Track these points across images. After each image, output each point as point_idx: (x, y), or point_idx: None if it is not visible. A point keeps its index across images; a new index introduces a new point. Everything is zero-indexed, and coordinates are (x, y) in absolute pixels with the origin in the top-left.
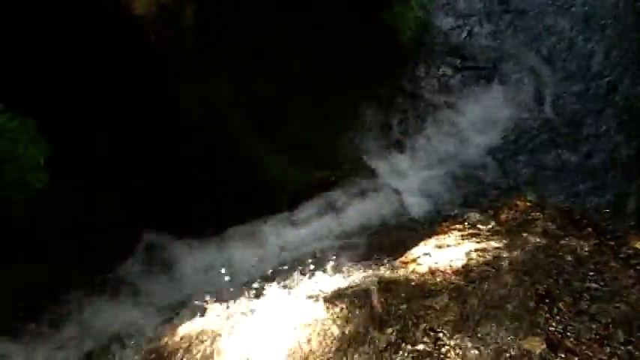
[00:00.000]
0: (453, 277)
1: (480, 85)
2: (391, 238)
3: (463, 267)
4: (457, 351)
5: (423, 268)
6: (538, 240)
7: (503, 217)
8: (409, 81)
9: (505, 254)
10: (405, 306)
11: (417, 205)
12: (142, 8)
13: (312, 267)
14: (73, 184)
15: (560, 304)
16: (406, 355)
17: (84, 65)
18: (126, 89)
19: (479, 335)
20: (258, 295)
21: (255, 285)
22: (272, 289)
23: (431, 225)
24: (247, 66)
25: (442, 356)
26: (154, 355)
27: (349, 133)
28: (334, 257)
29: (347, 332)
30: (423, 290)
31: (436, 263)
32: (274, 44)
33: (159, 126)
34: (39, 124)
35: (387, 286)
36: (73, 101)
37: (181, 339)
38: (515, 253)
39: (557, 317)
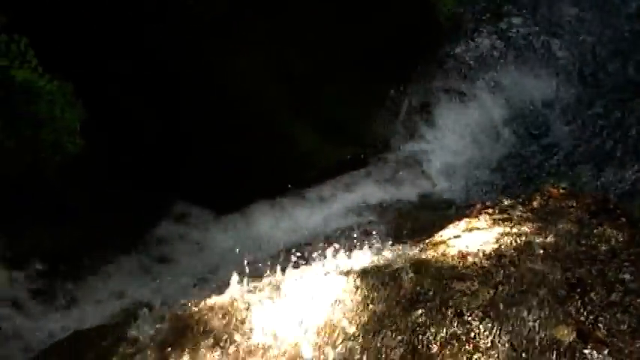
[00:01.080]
0: (484, 262)
1: (517, 64)
2: (419, 218)
3: (494, 252)
4: (486, 336)
5: (453, 251)
6: (571, 228)
7: (535, 203)
8: (445, 60)
9: (537, 241)
10: (435, 288)
11: (446, 187)
12: None
13: (339, 244)
14: (107, 149)
15: (592, 294)
16: (435, 336)
17: (122, 29)
18: (163, 56)
19: (509, 321)
20: (284, 270)
21: (282, 259)
22: (299, 264)
23: (460, 207)
24: (283, 42)
25: (471, 340)
26: (180, 325)
27: (381, 112)
28: (362, 235)
29: (376, 311)
30: (453, 273)
31: (467, 247)
32: (310, 20)
33: (194, 96)
34: (76, 88)
35: (417, 266)
36: (110, 66)
37: (208, 310)
38: (548, 240)
39: (589, 307)
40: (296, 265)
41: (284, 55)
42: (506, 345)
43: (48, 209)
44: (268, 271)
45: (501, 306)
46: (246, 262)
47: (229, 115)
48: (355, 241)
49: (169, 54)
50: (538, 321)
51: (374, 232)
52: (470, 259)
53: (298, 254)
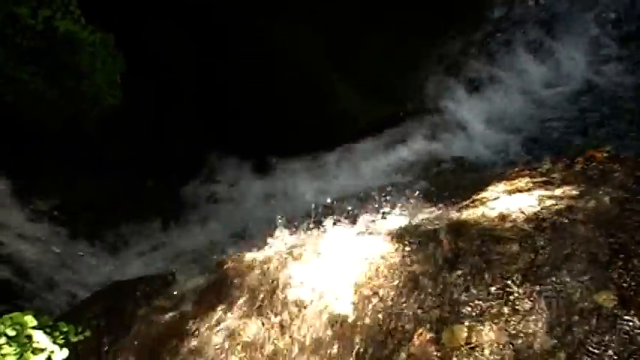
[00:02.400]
0: (524, 225)
1: (559, 27)
2: (458, 178)
3: (535, 215)
4: (526, 300)
5: (493, 213)
6: (614, 193)
7: (578, 167)
8: (485, 21)
9: (579, 205)
10: (474, 250)
11: (485, 147)
12: None
13: (377, 202)
14: (146, 102)
15: (634, 260)
16: (474, 299)
17: None
18: (209, 14)
19: (549, 286)
20: (321, 227)
21: (319, 216)
22: (336, 222)
23: (499, 168)
24: (326, 2)
25: (510, 304)
26: (218, 280)
27: (421, 71)
28: (400, 193)
29: (415, 272)
30: (492, 235)
31: (507, 209)
32: None
33: (238, 53)
34: (117, 41)
35: (456, 227)
36: (152, 18)
37: (245, 266)
38: (590, 204)
39: (632, 273)
40: (333, 223)
41: (327, 16)
42: (546, 310)
43: (88, 162)
44: (306, 228)
45: (541, 270)
46: (283, 218)
47: (273, 72)
48: (392, 199)
49: (215, 13)
50: (579, 286)
51: (411, 191)
52: (510, 221)
53: (336, 211)
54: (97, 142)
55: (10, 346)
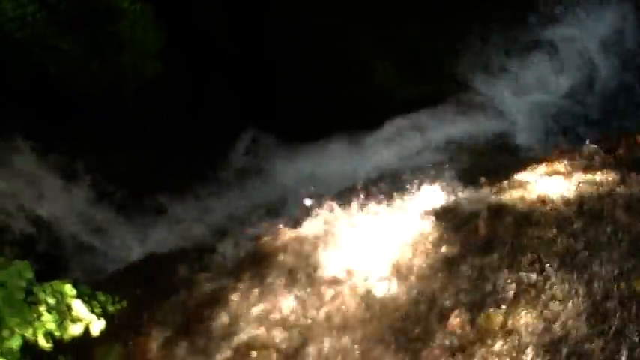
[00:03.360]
0: (563, 209)
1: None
2: (495, 159)
3: (574, 199)
4: (563, 284)
5: (531, 196)
6: None
7: (620, 152)
8: (528, 8)
9: (619, 190)
10: (512, 232)
11: (521, 129)
12: None
13: (414, 181)
14: (184, 73)
15: None
16: (510, 281)
17: None
18: None
19: (587, 271)
20: (358, 205)
21: (356, 194)
22: (373, 200)
23: (537, 151)
24: None
25: (547, 288)
26: (256, 255)
27: (461, 52)
28: (438, 173)
29: (453, 252)
30: (530, 218)
31: (546, 192)
32: None
33: (281, 26)
34: (157, 11)
35: (494, 210)
36: None
37: (284, 243)
38: (631, 190)
39: None
40: (370, 200)
41: None
42: (584, 295)
43: (126, 131)
44: (341, 205)
45: (579, 256)
46: (316, 194)
47: (314, 48)
48: (428, 178)
49: None
50: (618, 272)
51: (446, 170)
52: (548, 204)
53: (372, 188)
54: (136, 112)
55: (50, 313)
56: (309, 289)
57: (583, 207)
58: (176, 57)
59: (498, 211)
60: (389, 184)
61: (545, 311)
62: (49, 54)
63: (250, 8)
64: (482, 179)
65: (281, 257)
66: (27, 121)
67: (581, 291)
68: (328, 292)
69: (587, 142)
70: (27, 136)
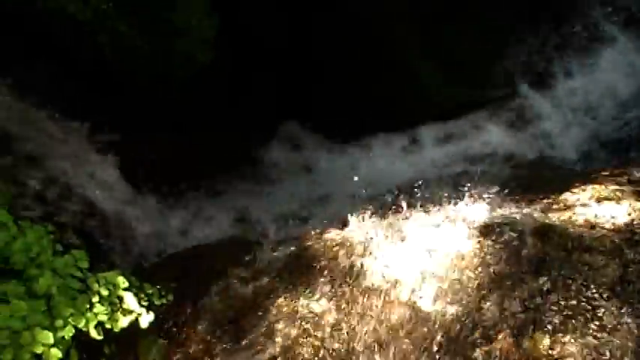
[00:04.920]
0: (614, 236)
1: None
2: (535, 172)
3: (626, 226)
4: (613, 315)
5: (580, 219)
6: None
7: None
8: (576, 17)
9: None
10: (560, 256)
11: (562, 144)
12: None
13: (456, 190)
14: (234, 63)
15: None
16: (557, 307)
17: None
18: None
19: (638, 303)
20: (401, 211)
21: (396, 199)
22: (415, 207)
23: (580, 169)
24: None
25: (595, 317)
26: (297, 257)
27: (504, 60)
28: (479, 183)
29: (499, 271)
30: (580, 243)
31: (595, 217)
32: None
33: (329, 24)
34: (212, 2)
35: (542, 230)
36: None
37: (326, 246)
38: None
39: None
40: (413, 207)
41: None
42: (634, 329)
43: (172, 118)
44: (381, 210)
45: (632, 287)
46: (355, 195)
47: (360, 46)
48: (470, 188)
49: None
50: None
51: (488, 181)
52: (598, 230)
53: (416, 195)
54: (184, 98)
55: (102, 305)
56: (353, 299)
57: (634, 235)
58: (226, 48)
59: (545, 232)
60: (431, 190)
61: (593, 340)
62: (106, 36)
63: (301, 6)
64: (525, 193)
65: (327, 262)
66: (84, 103)
67: (632, 324)
68: (373, 302)
69: (636, 167)
70: (82, 117)
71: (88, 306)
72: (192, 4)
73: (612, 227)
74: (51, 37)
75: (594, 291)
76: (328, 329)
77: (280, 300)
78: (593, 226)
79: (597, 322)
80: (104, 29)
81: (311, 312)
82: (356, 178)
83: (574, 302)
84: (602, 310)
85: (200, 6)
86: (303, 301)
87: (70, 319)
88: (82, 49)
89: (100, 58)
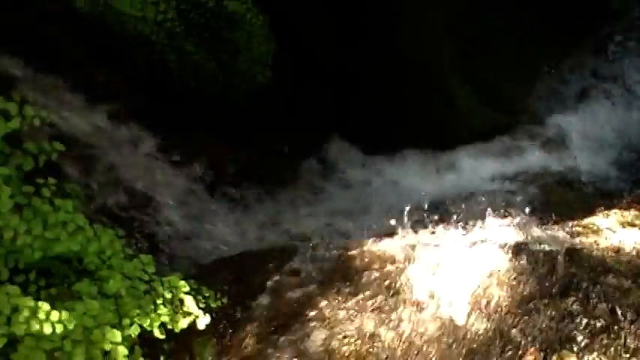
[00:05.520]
0: (638, 261)
1: None
2: (562, 196)
3: None
4: (636, 337)
5: (606, 243)
6: None
7: None
8: (609, 45)
9: None
10: (588, 278)
11: (588, 168)
12: None
13: (488, 209)
14: (287, 82)
15: None
16: (585, 328)
17: None
18: (350, 5)
19: None
20: (437, 227)
21: (434, 214)
22: (448, 222)
23: (604, 194)
24: (460, 8)
25: (620, 339)
26: (343, 266)
27: (537, 85)
28: (509, 204)
29: (530, 291)
30: (605, 267)
31: (620, 241)
32: None
33: (371, 46)
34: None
35: (570, 253)
36: (302, 8)
37: (369, 258)
38: None
39: None
40: (448, 224)
41: (458, 21)
42: None
43: (232, 129)
44: (422, 227)
45: None
46: (392, 208)
47: (401, 67)
48: (502, 209)
49: (359, 6)
50: None
51: (518, 203)
52: (623, 254)
53: (449, 211)
54: (242, 113)
55: (165, 306)
56: (392, 310)
57: None
58: (281, 67)
59: (574, 255)
60: (464, 208)
61: None
62: (173, 54)
63: (348, 33)
64: (553, 215)
65: (368, 273)
66: (152, 113)
67: None
68: (409, 313)
69: None
70: (152, 127)
71: (152, 307)
72: (253, 27)
73: (636, 253)
74: (123, 55)
75: (619, 313)
76: (367, 337)
77: (324, 306)
78: (617, 250)
79: (621, 343)
80: (172, 48)
81: (352, 319)
82: (393, 193)
83: (600, 323)
84: (626, 331)
85: (259, 30)
86: (344, 309)
87: (136, 319)
88: (151, 66)
89: (167, 74)
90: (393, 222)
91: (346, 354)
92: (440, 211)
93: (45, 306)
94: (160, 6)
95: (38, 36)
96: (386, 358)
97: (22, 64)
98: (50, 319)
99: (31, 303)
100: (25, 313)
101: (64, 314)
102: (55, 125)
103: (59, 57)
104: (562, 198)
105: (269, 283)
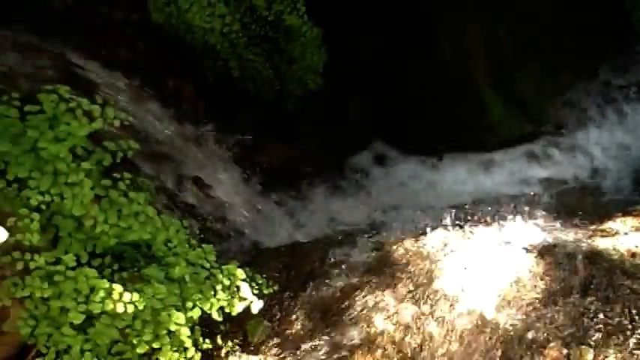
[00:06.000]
0: None
1: None
2: (580, 200)
3: None
4: None
5: (622, 247)
6: None
7: None
8: (634, 62)
9: None
10: (606, 279)
11: (605, 176)
12: None
13: (515, 211)
14: (336, 88)
15: None
16: (602, 324)
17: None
18: (395, 19)
19: None
20: (468, 226)
21: (465, 214)
22: (480, 223)
23: (621, 201)
24: (497, 20)
25: (633, 336)
26: (384, 260)
27: (559, 101)
28: (533, 207)
29: (554, 289)
30: (623, 269)
31: (636, 246)
32: (521, 6)
33: (414, 56)
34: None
35: (591, 255)
36: (351, 22)
37: (406, 253)
38: None
39: None
40: (478, 223)
41: (495, 37)
42: None
43: (284, 130)
44: (455, 224)
45: None
46: (429, 207)
47: (441, 77)
48: (527, 211)
49: (401, 16)
50: None
51: (541, 206)
52: (638, 258)
53: (479, 211)
54: (294, 116)
55: (224, 292)
56: (426, 303)
57: None
58: (331, 74)
59: (593, 257)
60: (493, 209)
61: (631, 357)
62: (236, 62)
63: (393, 43)
64: (573, 220)
65: (403, 266)
66: (215, 115)
67: None
68: (444, 307)
69: None
70: (213, 126)
71: (212, 292)
72: (308, 39)
73: None
74: (191, 62)
75: (634, 313)
76: (402, 326)
77: (364, 297)
78: (633, 255)
79: (635, 340)
80: (235, 57)
81: (389, 310)
82: (429, 192)
83: (616, 321)
84: None
85: (313, 41)
86: (383, 300)
87: (197, 303)
88: (216, 72)
89: (229, 79)
90: (428, 219)
91: (383, 342)
92: (471, 211)
93: (118, 288)
94: (226, 19)
95: (119, 42)
96: (420, 347)
97: (104, 68)
98: (123, 300)
99: (107, 285)
100: (101, 293)
101: (135, 296)
102: (131, 125)
103: (136, 62)
104: (581, 203)
105: (315, 273)
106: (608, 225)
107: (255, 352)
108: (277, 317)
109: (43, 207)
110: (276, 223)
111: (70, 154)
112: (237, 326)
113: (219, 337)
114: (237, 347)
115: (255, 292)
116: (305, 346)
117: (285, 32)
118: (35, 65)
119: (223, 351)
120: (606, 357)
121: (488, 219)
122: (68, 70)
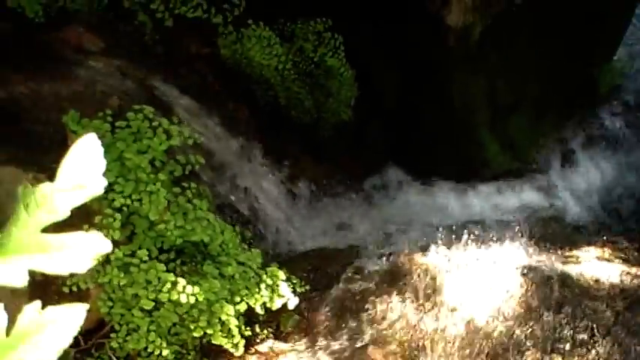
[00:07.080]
0: (610, 290)
1: None
2: (554, 228)
3: (617, 284)
4: (606, 349)
5: (588, 274)
6: None
7: None
8: (598, 119)
9: None
10: (575, 300)
11: (575, 211)
12: (452, 22)
13: (499, 234)
14: (362, 119)
15: None
16: (570, 339)
17: (394, 44)
18: (416, 66)
19: (625, 342)
20: (462, 245)
21: (460, 234)
22: (472, 243)
23: (587, 231)
24: (497, 71)
25: (594, 349)
26: (396, 269)
27: (544, 143)
28: (515, 232)
29: (535, 304)
30: (588, 293)
31: (598, 273)
32: (518, 59)
33: (427, 97)
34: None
35: (562, 278)
36: (378, 66)
37: (414, 265)
38: None
39: None
40: (470, 243)
41: (494, 88)
42: None
43: (318, 151)
44: (452, 242)
45: (620, 328)
46: (437, 228)
47: (448, 119)
48: (510, 235)
49: (422, 65)
50: None
51: (523, 232)
52: (600, 284)
53: (472, 232)
54: (326, 140)
55: (267, 290)
56: (430, 310)
57: (624, 292)
58: (358, 107)
59: (565, 279)
60: (481, 231)
61: None
62: (284, 92)
63: (410, 85)
64: (549, 244)
65: (410, 277)
66: (265, 135)
67: (619, 357)
68: (444, 314)
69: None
70: (262, 145)
71: (257, 289)
72: (343, 78)
73: (609, 283)
74: (248, 91)
75: (595, 329)
76: (409, 329)
77: (378, 301)
78: (597, 280)
79: (595, 353)
80: (283, 88)
81: (398, 314)
82: (431, 213)
83: (582, 336)
84: (599, 344)
85: (348, 80)
86: (394, 305)
87: (244, 298)
88: (267, 100)
89: (277, 106)
90: (430, 237)
91: (393, 339)
92: (465, 231)
93: (182, 281)
94: (281, 58)
95: (192, 71)
96: (423, 346)
97: (179, 93)
98: (186, 292)
99: (173, 278)
100: (168, 285)
101: (196, 288)
102: (199, 143)
103: (205, 88)
104: (554, 231)
105: (340, 276)
106: (578, 253)
107: (286, 340)
108: (306, 312)
109: (125, 208)
110: (307, 231)
111: (149, 165)
112: (273, 317)
113: (257, 326)
114: (271, 335)
115: (291, 290)
116: (327, 338)
117: (326, 71)
118: (125, 86)
119: (260, 337)
120: None
121: (481, 239)
122: (150, 92)
